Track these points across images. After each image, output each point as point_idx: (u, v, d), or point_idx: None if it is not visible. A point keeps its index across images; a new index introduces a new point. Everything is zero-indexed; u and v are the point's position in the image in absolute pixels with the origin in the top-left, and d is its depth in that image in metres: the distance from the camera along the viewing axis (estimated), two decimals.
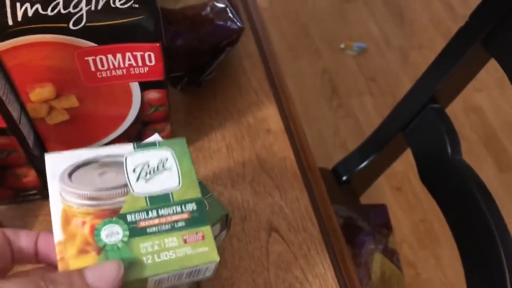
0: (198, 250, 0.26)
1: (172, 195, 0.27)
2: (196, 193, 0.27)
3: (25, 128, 0.35)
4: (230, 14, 0.46)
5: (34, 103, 0.34)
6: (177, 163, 0.28)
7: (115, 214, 0.26)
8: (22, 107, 0.35)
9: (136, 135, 0.40)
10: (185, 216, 0.27)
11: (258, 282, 0.40)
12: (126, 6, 0.30)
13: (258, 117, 0.49)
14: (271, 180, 0.45)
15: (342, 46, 1.83)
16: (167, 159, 0.28)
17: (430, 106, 0.75)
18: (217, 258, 0.26)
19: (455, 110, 1.67)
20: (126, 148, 0.28)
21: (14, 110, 0.34)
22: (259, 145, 0.47)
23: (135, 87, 0.36)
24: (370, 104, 1.65)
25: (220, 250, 0.41)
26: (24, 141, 0.35)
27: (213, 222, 0.31)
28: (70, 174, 0.27)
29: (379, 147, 0.83)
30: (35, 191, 0.41)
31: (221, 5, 0.44)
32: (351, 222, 0.76)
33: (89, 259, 0.24)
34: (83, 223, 0.25)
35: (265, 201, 0.44)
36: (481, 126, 1.61)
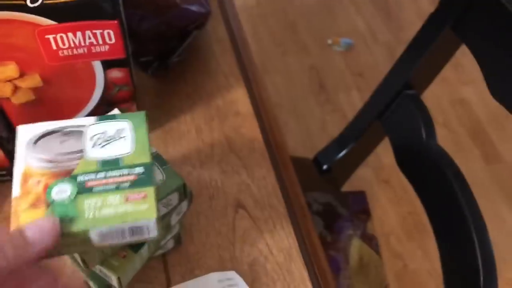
0: (138, 208, 0.27)
1: (122, 160, 0.29)
2: (146, 158, 0.29)
3: None
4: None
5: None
6: (133, 132, 0.30)
7: (67, 175, 0.28)
8: None
9: None
10: (131, 177, 0.28)
11: (224, 257, 0.41)
12: None
13: (227, 100, 0.50)
14: (239, 160, 0.46)
15: (330, 42, 1.84)
16: (123, 129, 0.30)
17: (405, 92, 0.76)
18: (154, 215, 0.27)
19: (442, 102, 1.68)
20: (88, 120, 0.30)
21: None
22: (228, 127, 0.48)
23: (97, 66, 0.37)
24: (357, 99, 1.66)
25: (186, 225, 0.42)
26: None
27: (168, 191, 0.32)
28: (35, 142, 0.29)
29: (357, 136, 0.84)
30: (4, 172, 0.41)
31: None
32: (330, 208, 0.77)
33: (38, 213, 0.27)
34: (39, 182, 0.28)
35: (233, 180, 0.45)
36: (468, 119, 1.62)
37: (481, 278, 0.59)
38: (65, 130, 0.30)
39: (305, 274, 0.40)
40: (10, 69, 0.35)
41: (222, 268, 0.40)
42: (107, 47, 0.36)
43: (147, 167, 0.29)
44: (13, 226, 0.27)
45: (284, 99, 1.67)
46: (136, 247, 0.32)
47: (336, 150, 0.87)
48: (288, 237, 0.42)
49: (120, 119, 0.31)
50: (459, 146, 1.54)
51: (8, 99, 0.37)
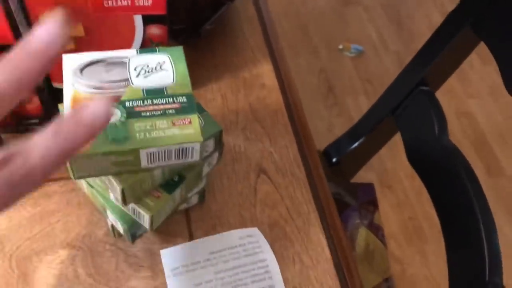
0: (185, 131, 0.29)
1: (166, 89, 0.30)
2: (188, 90, 0.30)
3: None
4: None
5: None
6: (173, 65, 0.31)
7: (116, 101, 0.29)
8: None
9: None
10: (175, 105, 0.29)
11: (245, 217, 0.42)
12: None
13: (253, 73, 0.51)
14: (262, 128, 0.48)
15: (340, 47, 1.86)
16: (164, 62, 0.31)
17: (420, 88, 0.77)
18: (200, 138, 0.29)
19: (447, 114, 1.69)
20: (130, 52, 0.32)
21: (24, 32, 0.36)
22: (253, 98, 0.50)
23: (138, 21, 0.38)
24: (364, 104, 1.67)
25: (210, 185, 0.43)
26: None
27: (206, 136, 0.33)
28: (81, 70, 0.30)
29: (369, 130, 0.86)
30: (37, 120, 0.43)
31: None
32: (339, 198, 0.78)
33: None
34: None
35: (256, 146, 0.46)
36: (472, 132, 1.64)
37: (487, 273, 0.60)
38: (108, 60, 0.31)
39: (322, 238, 0.41)
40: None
41: (242, 226, 0.41)
42: (150, 1, 0.37)
43: (189, 97, 0.30)
44: None
45: None
46: (169, 189, 0.33)
47: (347, 143, 0.88)
48: (308, 204, 0.43)
49: (160, 52, 0.32)
50: None
51: None
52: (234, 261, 0.39)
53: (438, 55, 0.74)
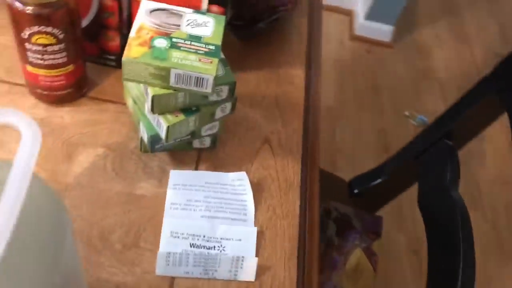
0: (205, 66, 0.41)
1: (203, 38, 0.42)
2: (218, 42, 0.42)
3: (126, 1, 0.51)
4: None
5: None
6: (213, 25, 0.44)
7: (166, 35, 0.41)
8: None
9: None
10: (205, 49, 0.42)
11: (242, 168, 0.52)
12: None
13: (287, 72, 0.63)
14: (279, 112, 0.58)
15: (407, 113, 1.92)
16: (209, 22, 0.44)
17: (444, 141, 0.85)
18: (214, 73, 0.40)
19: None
20: (188, 10, 0.45)
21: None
22: (280, 90, 0.61)
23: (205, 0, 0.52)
24: None
25: (223, 137, 0.54)
26: (122, 9, 0.52)
27: (222, 82, 0.45)
28: (150, 12, 0.44)
29: (392, 170, 0.93)
30: (113, 57, 0.57)
31: None
32: (346, 219, 0.85)
33: (143, 49, 0.41)
34: (147, 33, 0.42)
35: (269, 124, 0.57)
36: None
37: None
38: (171, 10, 0.44)
39: (297, 202, 0.51)
40: None
41: None
42: None
43: (217, 47, 0.42)
44: (125, 54, 0.41)
45: (347, 148, 1.77)
46: (186, 113, 0.45)
47: (369, 178, 0.96)
48: (295, 174, 0.53)
49: (208, 16, 0.45)
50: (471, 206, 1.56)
51: (137, 1, 0.52)
52: (222, 194, 0.50)
53: (464, 114, 0.81)
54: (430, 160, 0.85)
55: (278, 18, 0.62)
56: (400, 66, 2.10)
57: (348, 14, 2.26)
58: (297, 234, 0.48)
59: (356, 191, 0.97)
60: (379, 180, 0.94)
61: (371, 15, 2.10)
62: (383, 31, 2.15)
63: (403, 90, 2.03)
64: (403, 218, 1.56)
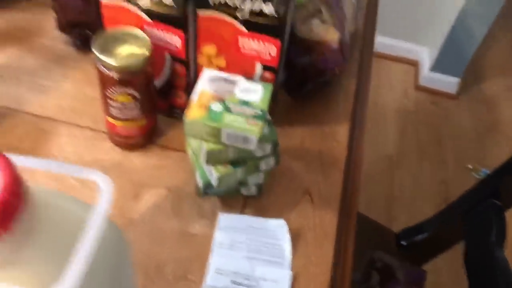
0: (252, 128, 0.48)
1: (252, 103, 0.50)
2: (264, 107, 0.50)
3: (192, 67, 0.61)
4: (341, 56, 0.68)
5: (203, 54, 0.60)
6: (262, 92, 0.51)
7: (221, 100, 0.50)
8: (195, 54, 0.60)
9: None
10: (253, 113, 0.49)
11: (283, 215, 0.58)
12: (269, 14, 0.54)
13: (332, 129, 0.69)
14: (321, 166, 0.64)
15: (470, 166, 1.90)
16: (258, 89, 0.52)
17: (491, 200, 0.86)
18: (258, 134, 0.47)
19: None
20: (242, 78, 0.53)
21: (191, 54, 0.59)
22: (324, 145, 0.67)
23: (259, 66, 0.60)
24: None
25: (268, 187, 0.61)
26: (189, 74, 0.61)
27: (266, 140, 0.52)
28: (211, 79, 0.52)
29: (439, 226, 0.95)
30: (179, 111, 0.66)
31: (335, 46, 0.67)
32: (390, 270, 0.88)
33: (202, 111, 0.49)
34: (207, 97, 0.50)
35: (311, 175, 0.63)
36: None
37: None
38: (228, 78, 0.53)
39: (331, 251, 0.56)
40: (211, 48, 0.59)
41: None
42: (268, 57, 0.58)
43: (263, 112, 0.50)
44: (187, 115, 0.49)
45: (405, 198, 1.77)
46: (235, 165, 0.52)
47: (417, 231, 0.98)
48: (332, 225, 0.58)
49: (258, 83, 0.53)
50: None
51: (202, 66, 0.61)
52: (263, 237, 0.56)
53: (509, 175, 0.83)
54: (477, 219, 0.86)
55: (326, 81, 0.69)
56: (465, 118, 2.09)
57: (414, 64, 2.29)
58: (329, 282, 0.53)
59: (403, 243, 1.00)
60: (426, 234, 0.96)
61: (437, 67, 2.11)
62: (448, 82, 2.15)
63: (467, 143, 2.01)
64: (448, 273, 1.53)
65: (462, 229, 0.91)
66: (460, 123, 2.06)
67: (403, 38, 2.22)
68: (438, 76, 2.12)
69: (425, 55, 2.19)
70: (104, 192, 0.28)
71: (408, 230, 1.00)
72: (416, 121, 2.05)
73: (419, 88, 2.18)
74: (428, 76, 2.14)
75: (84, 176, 0.29)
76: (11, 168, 0.27)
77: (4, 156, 0.28)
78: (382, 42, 2.21)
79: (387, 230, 1.03)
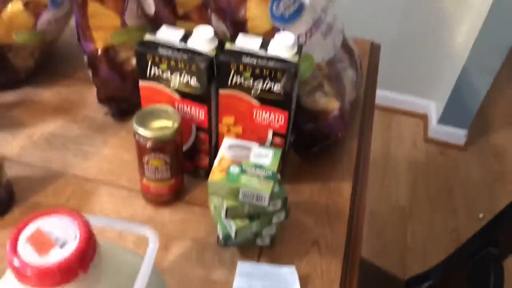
0: (263, 187, 0.57)
1: (263, 166, 0.60)
2: (274, 169, 0.60)
3: (214, 134, 0.71)
4: (342, 122, 0.78)
5: (223, 124, 0.70)
6: (272, 156, 0.61)
7: (239, 163, 0.60)
8: (217, 124, 0.71)
9: None
10: (265, 174, 0.59)
11: (293, 262, 0.67)
12: (277, 92, 0.65)
13: (337, 185, 0.78)
14: (327, 218, 0.73)
15: (481, 216, 1.94)
16: (269, 153, 0.62)
17: (488, 249, 0.93)
18: (269, 192, 0.57)
19: None
20: (255, 145, 0.63)
21: (213, 124, 0.70)
22: (330, 199, 0.76)
23: (270, 133, 0.70)
24: None
25: (280, 237, 0.69)
26: (211, 141, 0.72)
27: (277, 196, 0.61)
28: (230, 146, 0.62)
29: (442, 274, 1.01)
30: (203, 172, 0.76)
31: (336, 114, 0.77)
32: None
33: (222, 174, 0.58)
34: (226, 162, 0.60)
35: (318, 227, 0.72)
36: None
37: None
38: (243, 145, 0.63)
39: None
40: (230, 119, 0.70)
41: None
42: (278, 125, 0.69)
43: (273, 173, 0.59)
44: (210, 177, 0.59)
45: (418, 247, 1.82)
46: (251, 219, 0.62)
47: (423, 280, 1.04)
48: (337, 273, 0.66)
49: (269, 149, 0.63)
50: None
51: (223, 134, 0.72)
52: (276, 282, 0.64)
53: (508, 223, 0.89)
54: (476, 267, 0.93)
55: (330, 143, 0.79)
56: (474, 168, 2.15)
57: (423, 117, 2.38)
58: None
59: None
60: (432, 281, 1.02)
61: (444, 119, 2.20)
62: (456, 134, 2.23)
63: (476, 192, 2.06)
64: None
65: (465, 277, 0.97)
66: (470, 173, 2.12)
67: (412, 93, 2.33)
68: (446, 128, 2.21)
69: (433, 108, 2.29)
70: (153, 243, 0.38)
71: (416, 278, 1.06)
72: (426, 172, 2.12)
73: (428, 140, 2.26)
74: (437, 129, 2.23)
75: (138, 231, 0.38)
76: (86, 225, 0.37)
77: (81, 216, 0.38)
78: (392, 97, 2.32)
79: (396, 279, 1.09)
